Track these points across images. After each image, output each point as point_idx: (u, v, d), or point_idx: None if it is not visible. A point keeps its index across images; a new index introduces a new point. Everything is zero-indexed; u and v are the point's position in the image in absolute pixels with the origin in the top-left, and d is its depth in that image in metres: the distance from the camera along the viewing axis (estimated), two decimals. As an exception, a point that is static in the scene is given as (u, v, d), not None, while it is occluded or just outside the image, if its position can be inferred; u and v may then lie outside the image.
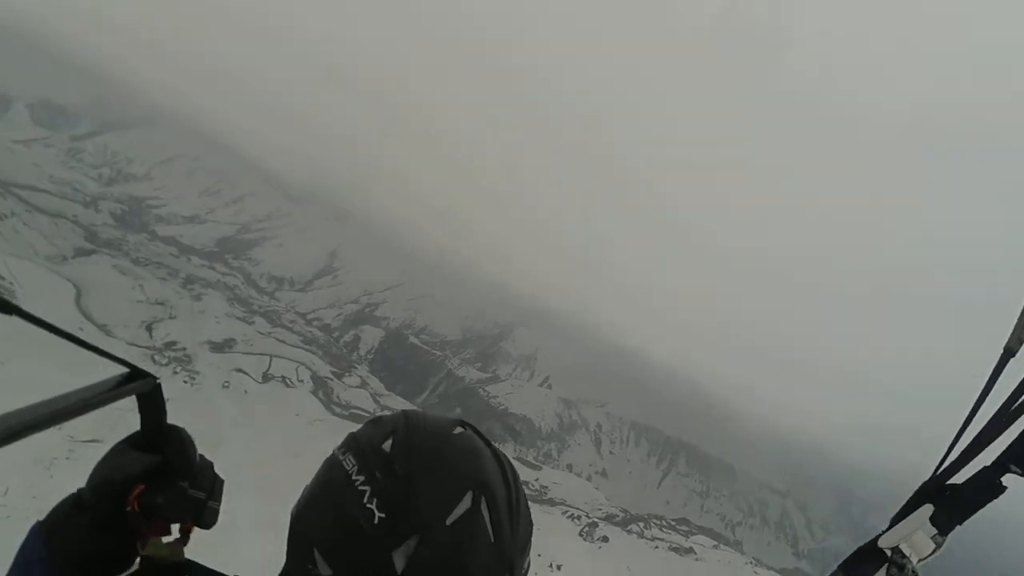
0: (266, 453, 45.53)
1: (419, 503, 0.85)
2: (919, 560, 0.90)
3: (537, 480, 74.72)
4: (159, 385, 1.01)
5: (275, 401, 56.88)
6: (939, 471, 0.92)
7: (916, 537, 0.90)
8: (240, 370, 59.38)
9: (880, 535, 0.94)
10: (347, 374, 72.63)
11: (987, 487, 0.87)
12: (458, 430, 0.99)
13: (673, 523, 71.52)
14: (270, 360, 63.97)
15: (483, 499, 0.88)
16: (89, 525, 0.96)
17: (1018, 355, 0.86)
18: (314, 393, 62.06)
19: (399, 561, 0.80)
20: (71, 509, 0.98)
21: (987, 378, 0.86)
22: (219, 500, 1.08)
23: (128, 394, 0.96)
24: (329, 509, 0.90)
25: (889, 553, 0.90)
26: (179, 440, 1.06)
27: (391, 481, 0.87)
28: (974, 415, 0.88)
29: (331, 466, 0.96)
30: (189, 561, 1.05)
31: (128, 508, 0.99)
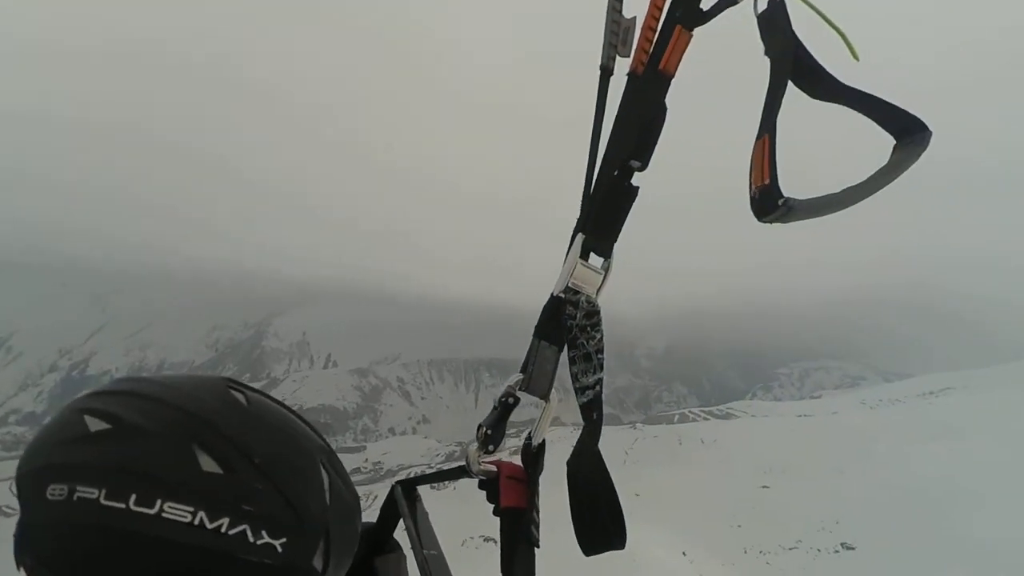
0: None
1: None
2: (596, 291, 0.95)
3: (367, 460, 72.80)
4: None
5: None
6: (584, 202, 0.94)
7: (580, 272, 0.93)
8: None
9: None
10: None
11: (621, 192, 0.91)
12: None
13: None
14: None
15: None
16: None
17: (616, 73, 0.92)
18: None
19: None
20: None
21: (596, 100, 0.91)
22: None
23: None
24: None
25: (563, 296, 0.94)
26: None
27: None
28: (598, 137, 0.91)
29: None
30: None
31: None
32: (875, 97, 0.77)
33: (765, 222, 0.72)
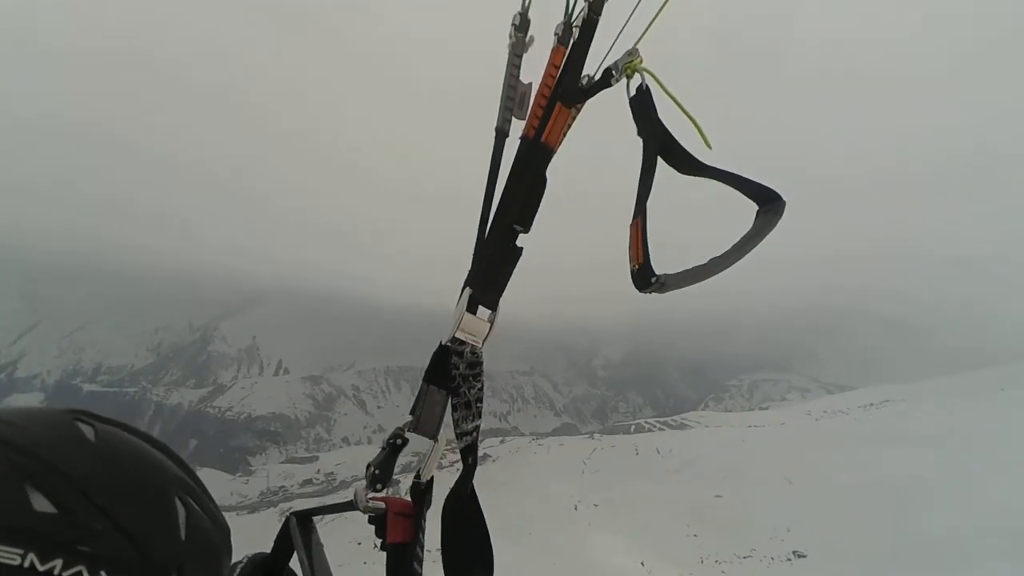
0: None
1: None
2: (483, 340, 1.01)
3: (319, 471, 70.69)
4: None
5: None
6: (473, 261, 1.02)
7: (467, 322, 0.99)
8: None
9: None
10: None
11: (506, 252, 0.99)
12: None
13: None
14: None
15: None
16: None
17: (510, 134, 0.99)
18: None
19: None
20: None
21: (490, 161, 0.98)
22: None
23: None
24: None
25: (450, 346, 1.00)
26: None
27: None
28: (491, 197, 0.98)
29: None
30: None
31: None
32: (734, 173, 0.84)
33: (644, 293, 0.80)
